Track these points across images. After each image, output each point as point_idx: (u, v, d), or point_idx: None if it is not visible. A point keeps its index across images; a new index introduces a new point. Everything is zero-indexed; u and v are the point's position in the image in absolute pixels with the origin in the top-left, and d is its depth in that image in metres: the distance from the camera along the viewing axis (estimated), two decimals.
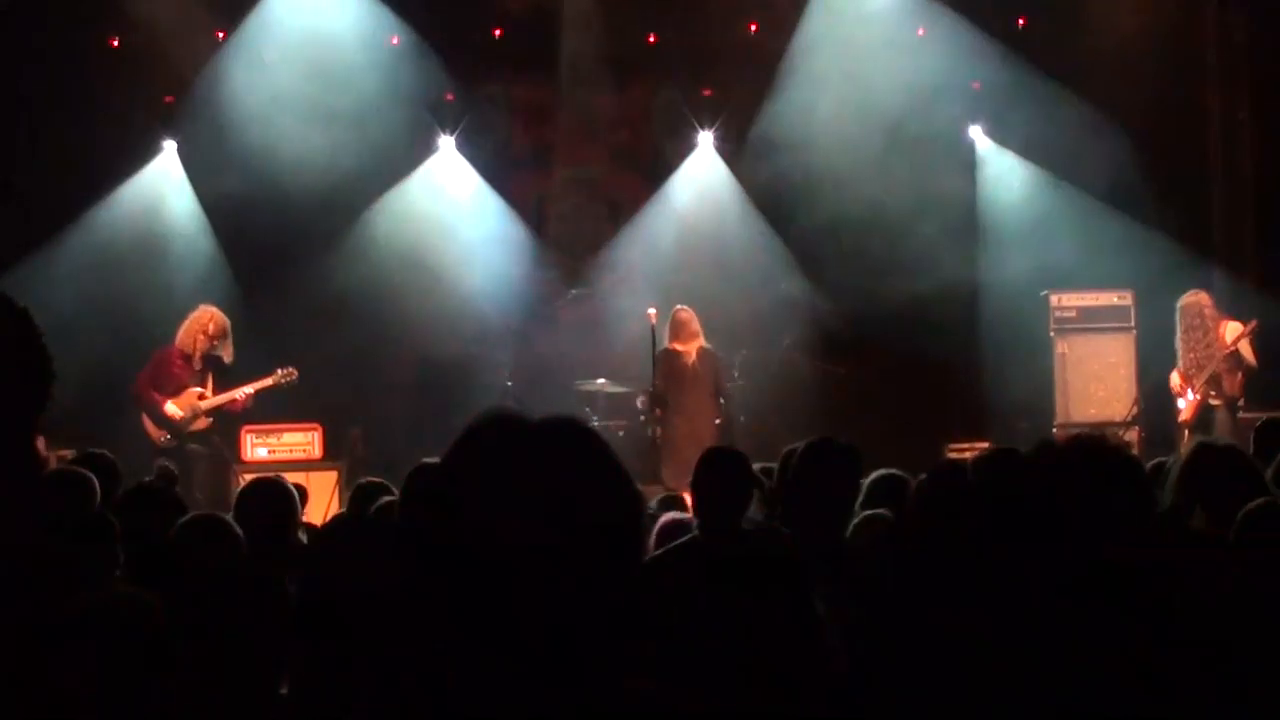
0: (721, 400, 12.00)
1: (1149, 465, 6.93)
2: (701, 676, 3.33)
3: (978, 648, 1.56)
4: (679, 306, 12.11)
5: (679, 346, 11.92)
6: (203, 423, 11.16)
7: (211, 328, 11.20)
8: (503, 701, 1.60)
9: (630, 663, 1.67)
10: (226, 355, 11.29)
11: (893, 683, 1.60)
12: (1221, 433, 11.11)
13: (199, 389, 11.18)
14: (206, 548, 4.45)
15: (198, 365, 11.19)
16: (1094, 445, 2.84)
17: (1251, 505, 4.20)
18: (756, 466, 6.26)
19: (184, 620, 3.01)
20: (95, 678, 2.19)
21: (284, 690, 3.42)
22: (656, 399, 11.88)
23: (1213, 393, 11.44)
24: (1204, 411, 11.46)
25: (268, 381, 11.35)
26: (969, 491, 1.60)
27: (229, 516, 4.96)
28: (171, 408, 11.02)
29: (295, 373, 11.45)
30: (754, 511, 5.12)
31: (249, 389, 11.29)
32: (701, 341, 11.95)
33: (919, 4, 13.63)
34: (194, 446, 11.11)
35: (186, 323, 11.27)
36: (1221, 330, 11.52)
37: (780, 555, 3.84)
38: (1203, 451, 4.69)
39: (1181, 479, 4.52)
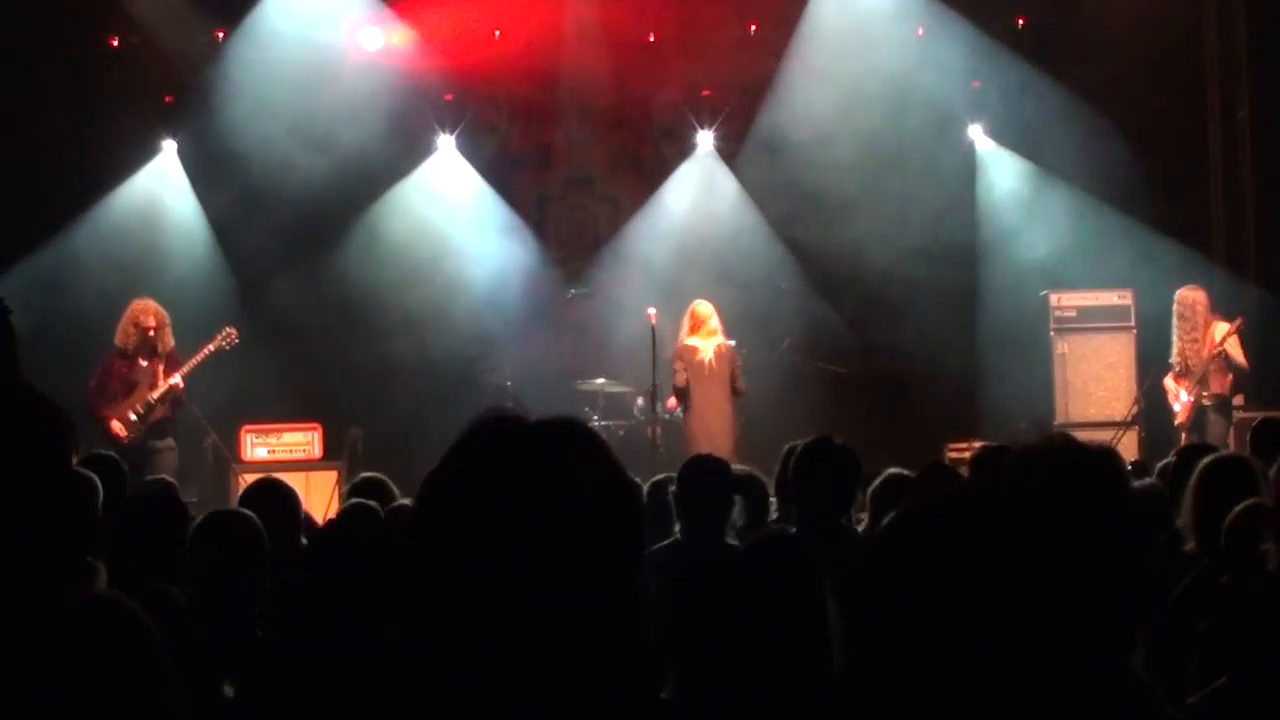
0: (736, 398, 11.62)
1: (1157, 466, 6.91)
2: (684, 683, 3.33)
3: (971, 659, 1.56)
4: (697, 300, 11.74)
5: (695, 342, 11.54)
6: (160, 411, 10.80)
7: (142, 318, 10.82)
8: (502, 704, 1.60)
9: (630, 664, 1.67)
10: (163, 344, 10.87)
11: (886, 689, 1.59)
12: (1215, 433, 11.13)
13: (150, 382, 10.82)
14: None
15: (143, 361, 10.84)
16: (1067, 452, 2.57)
17: (1238, 510, 4.15)
18: (756, 467, 6.29)
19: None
20: (64, 683, 2.18)
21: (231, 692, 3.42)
22: (679, 393, 11.65)
23: (1204, 393, 11.46)
24: (1198, 413, 11.47)
25: (209, 347, 11.00)
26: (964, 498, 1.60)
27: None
28: (116, 425, 10.65)
29: (235, 333, 11.11)
30: (738, 516, 5.16)
31: (191, 361, 10.92)
32: (720, 338, 11.56)
33: (919, 4, 13.63)
34: (154, 442, 10.77)
35: (121, 320, 10.92)
36: (1211, 331, 11.55)
37: (779, 559, 3.83)
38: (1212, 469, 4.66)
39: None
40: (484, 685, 1.60)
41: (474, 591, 1.61)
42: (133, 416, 10.73)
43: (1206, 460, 4.79)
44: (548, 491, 1.63)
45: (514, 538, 1.60)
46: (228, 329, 11.15)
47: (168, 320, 10.97)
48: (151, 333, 10.80)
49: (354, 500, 5.80)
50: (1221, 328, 11.52)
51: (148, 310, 10.90)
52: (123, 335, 10.87)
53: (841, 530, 5.18)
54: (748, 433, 12.45)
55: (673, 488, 5.32)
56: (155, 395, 10.77)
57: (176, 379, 10.79)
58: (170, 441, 10.89)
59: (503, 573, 1.60)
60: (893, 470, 5.81)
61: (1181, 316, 11.60)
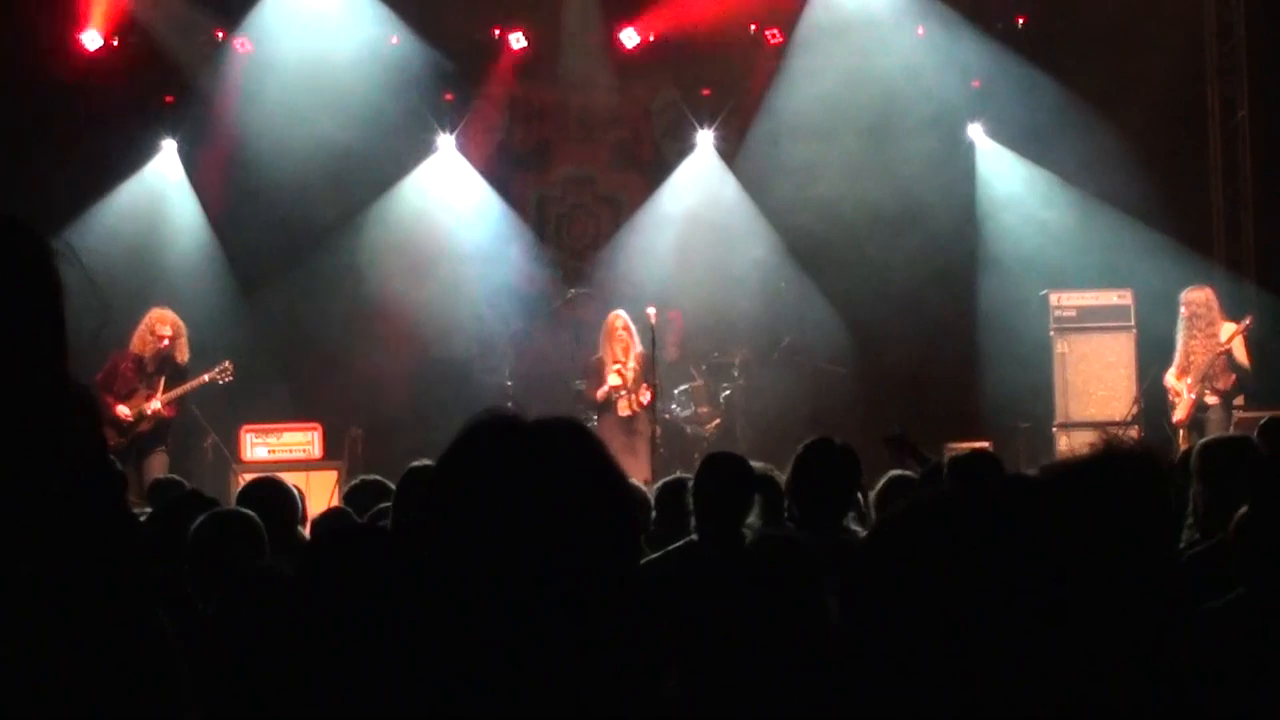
0: None
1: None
2: (697, 680, 3.33)
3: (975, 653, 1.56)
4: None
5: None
6: (146, 425, 11.02)
7: (159, 328, 11.06)
8: (499, 705, 1.61)
9: (628, 664, 1.67)
10: (180, 355, 11.15)
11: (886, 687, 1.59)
12: (1216, 431, 11.10)
13: (148, 392, 11.06)
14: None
15: (150, 368, 11.07)
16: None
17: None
18: (756, 466, 6.28)
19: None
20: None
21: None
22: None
23: (1207, 392, 11.46)
24: (1198, 411, 11.47)
25: (204, 378, 11.21)
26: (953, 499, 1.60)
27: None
28: (123, 409, 10.90)
29: (231, 367, 11.33)
30: (755, 517, 5.12)
31: (185, 387, 11.14)
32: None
33: (919, 3, 13.63)
34: (143, 446, 10.97)
35: (140, 325, 11.14)
36: (1218, 330, 11.55)
37: (787, 560, 3.83)
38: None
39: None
40: (484, 683, 1.61)
41: (472, 590, 1.61)
42: (121, 420, 10.89)
43: None
44: (543, 491, 1.63)
45: (510, 537, 1.61)
46: (226, 363, 11.36)
47: (184, 331, 11.23)
48: (166, 343, 11.05)
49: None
50: (1228, 328, 11.52)
51: (165, 320, 11.16)
52: (139, 341, 11.10)
53: (843, 531, 5.16)
54: (746, 432, 12.47)
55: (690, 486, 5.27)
56: (148, 408, 10.98)
57: (158, 404, 11.00)
58: (160, 446, 11.07)
59: (499, 572, 1.60)
60: (895, 472, 5.82)
61: (1195, 315, 11.57)
